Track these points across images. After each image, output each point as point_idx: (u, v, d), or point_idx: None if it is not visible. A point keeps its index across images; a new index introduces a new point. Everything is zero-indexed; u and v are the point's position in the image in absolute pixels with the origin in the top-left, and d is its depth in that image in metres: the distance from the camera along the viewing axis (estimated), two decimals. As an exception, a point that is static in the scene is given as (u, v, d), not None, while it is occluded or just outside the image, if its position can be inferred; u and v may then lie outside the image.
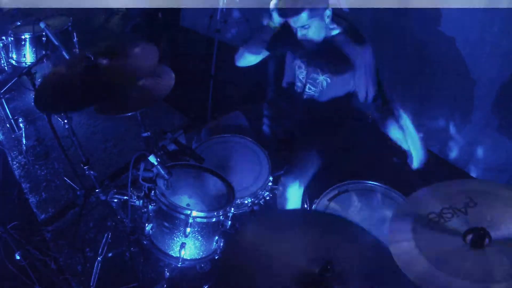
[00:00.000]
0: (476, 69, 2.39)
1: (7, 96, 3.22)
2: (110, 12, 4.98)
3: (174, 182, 1.68)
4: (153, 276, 2.21)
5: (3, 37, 3.13)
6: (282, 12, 1.84)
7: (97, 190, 2.02)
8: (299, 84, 2.12)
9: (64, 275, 2.22)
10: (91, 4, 4.37)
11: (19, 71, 2.70)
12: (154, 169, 1.59)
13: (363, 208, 1.82)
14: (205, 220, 1.66)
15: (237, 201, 1.85)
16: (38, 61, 2.80)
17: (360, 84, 1.96)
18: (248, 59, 2.13)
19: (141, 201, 1.70)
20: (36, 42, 3.05)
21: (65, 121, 1.91)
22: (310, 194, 1.99)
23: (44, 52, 2.95)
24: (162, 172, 1.59)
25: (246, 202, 1.90)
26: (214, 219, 1.68)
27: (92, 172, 2.02)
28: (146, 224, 1.69)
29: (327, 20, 1.86)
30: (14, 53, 3.14)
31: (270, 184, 1.99)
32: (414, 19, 2.54)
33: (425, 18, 2.47)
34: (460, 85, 2.49)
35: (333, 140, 2.13)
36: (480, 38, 2.29)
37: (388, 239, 1.20)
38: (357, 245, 1.25)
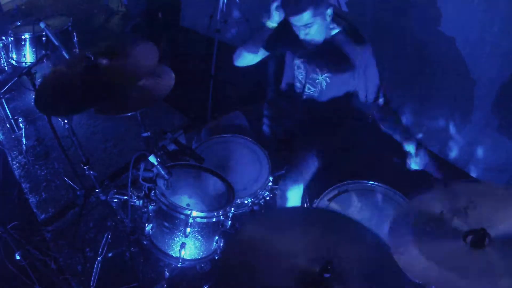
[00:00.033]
0: (476, 69, 2.39)
1: (7, 96, 3.21)
2: (110, 12, 4.98)
3: (174, 182, 1.68)
4: (153, 276, 2.21)
5: (3, 37, 3.14)
6: (286, 10, 1.84)
7: (97, 190, 2.02)
8: (298, 84, 2.11)
9: (64, 275, 2.22)
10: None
11: (19, 71, 2.68)
12: (154, 169, 1.59)
13: (363, 208, 1.82)
14: (205, 220, 1.66)
15: (237, 201, 1.85)
16: (38, 61, 2.79)
17: (360, 84, 1.95)
18: (246, 58, 2.11)
19: (141, 201, 1.70)
20: (36, 42, 3.05)
21: (65, 121, 1.91)
22: (310, 194, 1.98)
23: (44, 52, 2.95)
24: (162, 172, 1.59)
25: (246, 202, 1.90)
26: (214, 219, 1.68)
27: (92, 172, 2.02)
28: (146, 224, 1.69)
29: (328, 19, 1.85)
30: (14, 53, 3.14)
31: (270, 184, 1.99)
32: (414, 19, 2.54)
33: (425, 18, 2.47)
34: (460, 85, 2.49)
35: (333, 140, 2.13)
36: (480, 38, 2.29)
37: (388, 239, 1.20)
38: (358, 245, 1.25)
